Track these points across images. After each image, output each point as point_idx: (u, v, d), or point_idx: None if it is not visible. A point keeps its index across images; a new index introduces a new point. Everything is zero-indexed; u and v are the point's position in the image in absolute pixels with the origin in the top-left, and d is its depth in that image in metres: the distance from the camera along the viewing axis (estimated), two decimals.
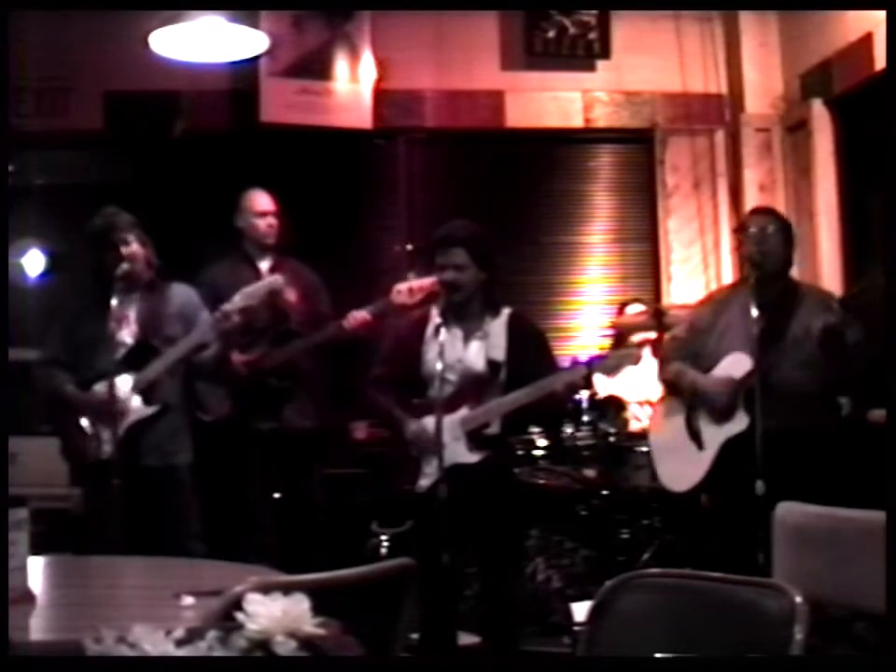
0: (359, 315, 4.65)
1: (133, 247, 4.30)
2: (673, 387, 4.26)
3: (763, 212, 4.47)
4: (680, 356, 4.23)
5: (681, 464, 4.18)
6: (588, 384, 4.74)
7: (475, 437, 3.81)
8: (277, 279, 4.50)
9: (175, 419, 4.35)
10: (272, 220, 4.94)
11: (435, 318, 3.91)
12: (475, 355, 3.86)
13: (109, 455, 4.12)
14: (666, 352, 4.35)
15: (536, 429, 5.26)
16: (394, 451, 4.02)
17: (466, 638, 4.03)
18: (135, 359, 4.23)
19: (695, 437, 4.13)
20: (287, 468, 4.85)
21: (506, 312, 3.94)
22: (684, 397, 4.18)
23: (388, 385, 4.01)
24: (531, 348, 3.92)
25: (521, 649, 4.07)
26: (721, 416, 4.03)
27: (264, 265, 4.92)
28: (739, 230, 4.30)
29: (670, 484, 4.27)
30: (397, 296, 4.52)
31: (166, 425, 4.30)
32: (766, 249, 4.07)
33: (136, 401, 4.20)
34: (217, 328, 4.23)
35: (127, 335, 4.26)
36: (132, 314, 4.32)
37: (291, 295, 4.84)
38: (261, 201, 4.96)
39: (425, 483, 3.82)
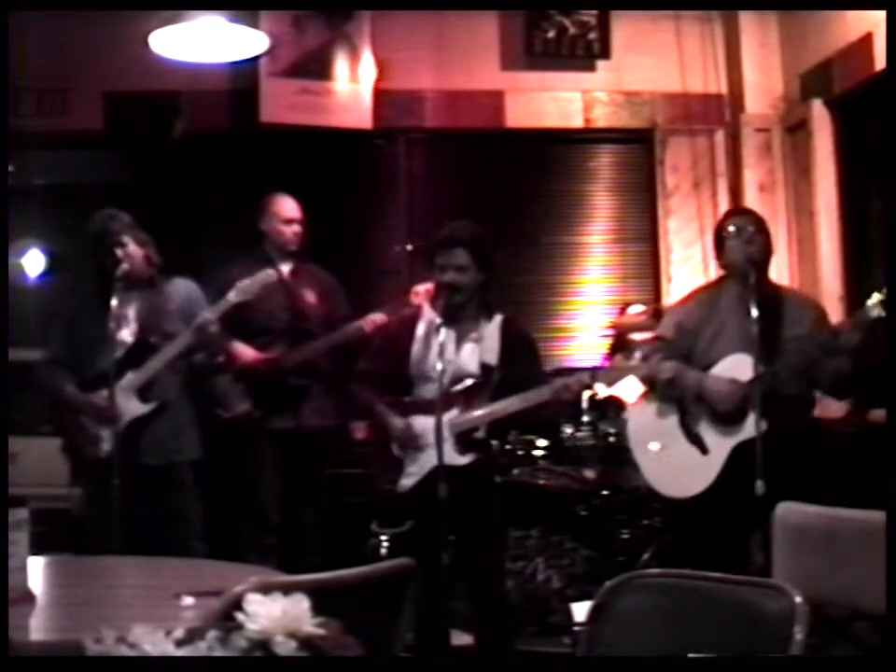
0: (377, 318, 4.70)
1: (130, 248, 4.30)
2: (669, 386, 4.07)
3: (746, 212, 4.45)
4: (669, 356, 4.10)
5: (682, 469, 4.05)
6: (591, 388, 4.73)
7: (463, 439, 3.81)
8: (270, 273, 4.50)
9: (176, 416, 4.34)
10: (297, 227, 5.01)
11: (429, 318, 3.90)
12: (468, 357, 3.86)
13: (107, 454, 4.13)
14: (653, 351, 4.17)
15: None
16: (375, 448, 4.02)
17: (464, 639, 4.03)
18: (135, 358, 4.23)
19: (696, 441, 4.02)
20: (301, 466, 4.89)
21: (498, 317, 3.93)
22: (683, 397, 4.07)
23: (373, 381, 4.01)
24: (524, 354, 3.92)
25: (515, 648, 4.08)
26: (729, 421, 3.93)
27: (285, 268, 4.99)
28: (721, 231, 4.19)
29: (668, 490, 4.12)
30: (415, 298, 4.55)
31: (167, 422, 4.30)
32: (760, 247, 4.05)
33: (133, 400, 4.20)
34: (199, 336, 4.22)
35: (127, 334, 4.27)
36: (131, 312, 4.32)
37: (310, 297, 4.96)
38: (289, 207, 5.03)
39: (407, 482, 3.82)
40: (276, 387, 4.80)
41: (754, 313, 3.76)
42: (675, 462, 4.08)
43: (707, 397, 3.98)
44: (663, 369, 4.07)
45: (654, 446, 4.15)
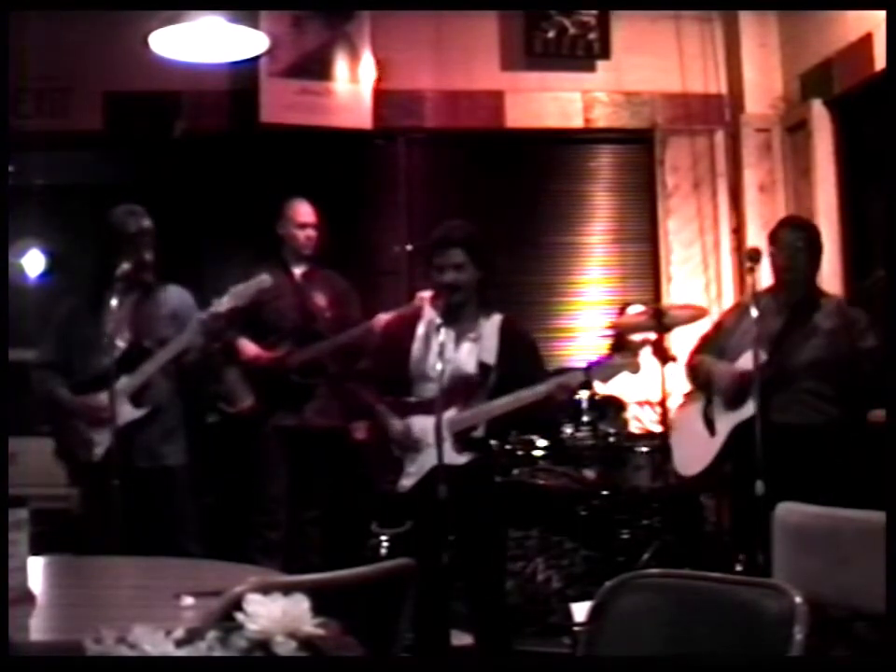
0: (387, 318, 4.70)
1: (149, 250, 4.33)
2: (695, 375, 4.60)
3: (796, 225, 4.61)
4: (708, 351, 4.57)
5: (693, 449, 4.49)
6: (587, 386, 4.75)
7: (461, 439, 3.80)
8: (265, 279, 4.47)
9: (167, 421, 4.36)
10: (310, 232, 5.16)
11: (430, 318, 3.90)
12: (466, 356, 3.86)
13: (101, 458, 4.13)
14: (696, 347, 4.68)
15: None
16: (375, 448, 4.02)
17: (464, 639, 4.03)
18: (128, 362, 4.22)
19: (709, 424, 4.43)
20: (306, 465, 4.94)
21: (498, 317, 3.93)
22: (703, 385, 4.52)
23: (372, 381, 4.00)
24: (522, 354, 3.93)
25: (515, 648, 4.08)
26: (732, 404, 4.29)
27: (298, 271, 5.16)
28: (772, 241, 4.50)
29: (681, 469, 4.60)
30: (419, 302, 4.56)
31: (158, 427, 4.31)
32: (797, 264, 4.37)
33: (126, 404, 4.19)
34: (206, 329, 4.23)
35: (122, 337, 4.25)
36: (126, 315, 4.30)
37: (321, 300, 5.09)
38: (303, 211, 5.17)
39: (407, 482, 3.83)
40: (280, 385, 4.89)
41: (754, 313, 3.99)
42: (692, 445, 4.53)
43: (712, 379, 4.44)
44: (691, 360, 4.64)
45: (683, 436, 4.68)
